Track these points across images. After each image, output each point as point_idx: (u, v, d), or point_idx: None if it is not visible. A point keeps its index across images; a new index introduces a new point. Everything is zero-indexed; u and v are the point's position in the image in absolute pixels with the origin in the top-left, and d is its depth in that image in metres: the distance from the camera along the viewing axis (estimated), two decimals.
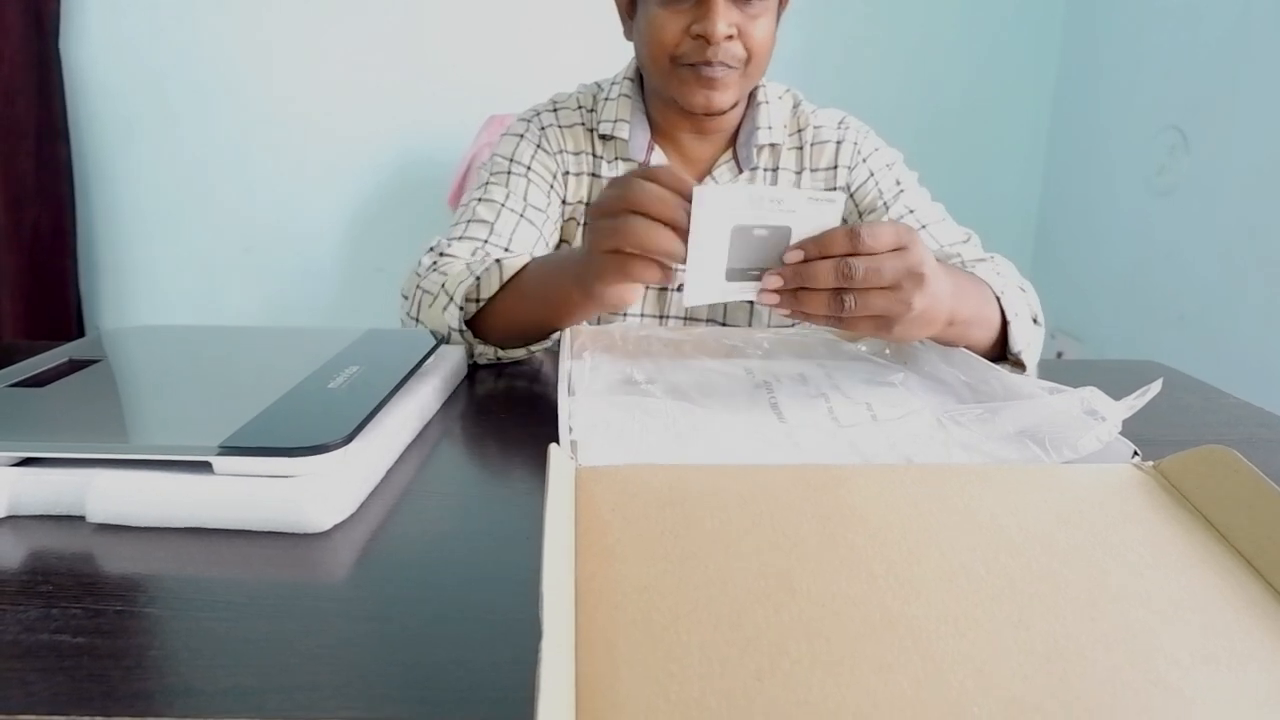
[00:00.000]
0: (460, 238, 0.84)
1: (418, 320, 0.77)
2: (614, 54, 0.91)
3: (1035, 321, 0.77)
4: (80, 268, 2.10)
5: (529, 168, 0.88)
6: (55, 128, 1.97)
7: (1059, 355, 2.08)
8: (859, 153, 0.93)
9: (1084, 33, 2.04)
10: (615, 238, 0.57)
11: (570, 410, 0.53)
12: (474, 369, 0.74)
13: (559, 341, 0.71)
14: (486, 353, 0.75)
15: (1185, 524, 0.36)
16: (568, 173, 0.90)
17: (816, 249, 0.56)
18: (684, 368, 0.66)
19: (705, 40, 0.78)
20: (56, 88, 1.96)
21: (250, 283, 2.20)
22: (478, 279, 0.73)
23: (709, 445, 0.51)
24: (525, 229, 0.85)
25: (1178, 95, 1.74)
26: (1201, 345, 1.65)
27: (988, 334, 0.72)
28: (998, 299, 0.72)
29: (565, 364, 0.62)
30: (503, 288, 0.73)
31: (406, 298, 0.79)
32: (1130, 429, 0.49)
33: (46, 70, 1.94)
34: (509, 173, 0.88)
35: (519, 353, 0.76)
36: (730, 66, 0.81)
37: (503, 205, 0.85)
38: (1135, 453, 0.47)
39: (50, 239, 2.02)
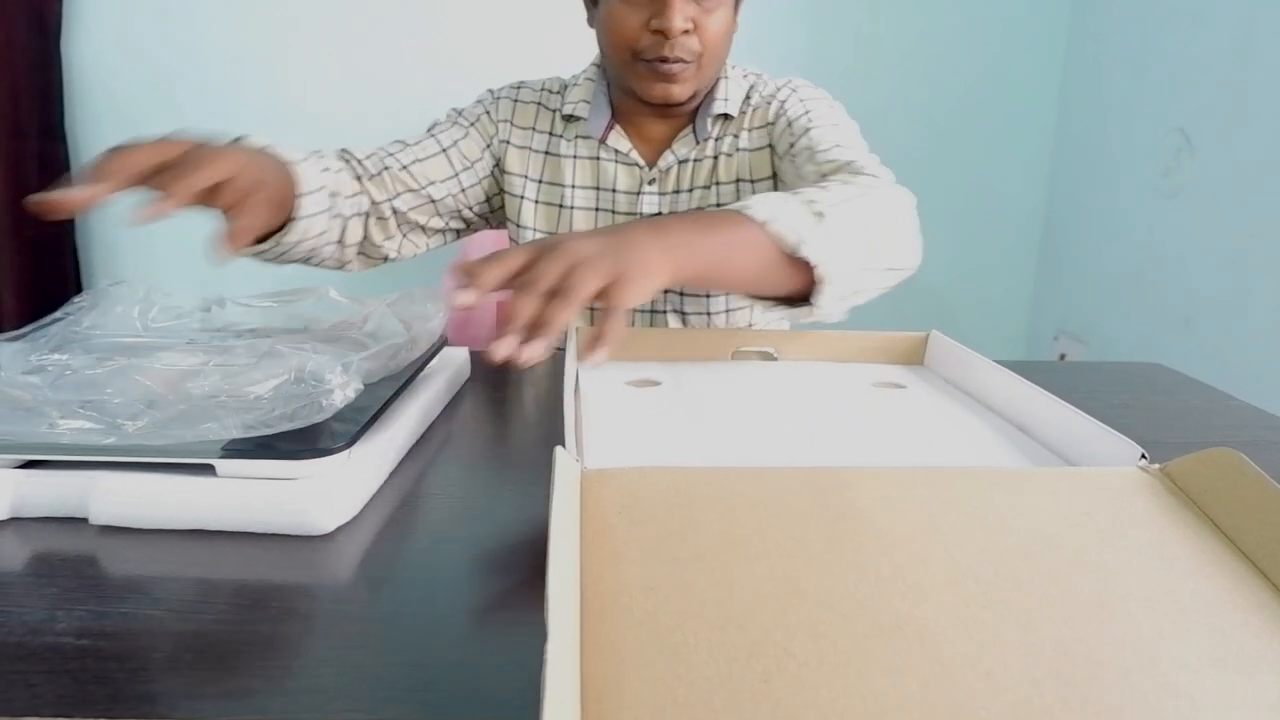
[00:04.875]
0: (376, 148, 0.87)
1: None
2: None
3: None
4: (82, 270, 2.11)
5: (471, 125, 0.93)
6: (57, 128, 1.97)
7: (1062, 357, 2.07)
8: (780, 100, 0.91)
9: (1089, 35, 2.04)
10: None
11: (576, 412, 0.53)
12: (476, 372, 0.73)
13: (565, 339, 0.71)
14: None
15: (1193, 527, 0.36)
16: (507, 142, 0.94)
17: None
18: (691, 369, 0.66)
19: (663, 35, 0.80)
20: (57, 89, 1.96)
21: (254, 284, 2.20)
22: None
23: (719, 446, 0.51)
24: (438, 161, 0.89)
25: (1183, 98, 1.73)
26: (1206, 348, 1.64)
27: (755, 261, 0.60)
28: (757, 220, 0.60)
29: (571, 365, 0.61)
30: None
31: None
32: (1135, 431, 0.49)
33: (48, 71, 1.95)
34: (454, 123, 0.94)
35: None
36: (686, 61, 0.83)
37: (431, 135, 0.91)
38: (1143, 455, 0.47)
39: (51, 240, 2.02)
